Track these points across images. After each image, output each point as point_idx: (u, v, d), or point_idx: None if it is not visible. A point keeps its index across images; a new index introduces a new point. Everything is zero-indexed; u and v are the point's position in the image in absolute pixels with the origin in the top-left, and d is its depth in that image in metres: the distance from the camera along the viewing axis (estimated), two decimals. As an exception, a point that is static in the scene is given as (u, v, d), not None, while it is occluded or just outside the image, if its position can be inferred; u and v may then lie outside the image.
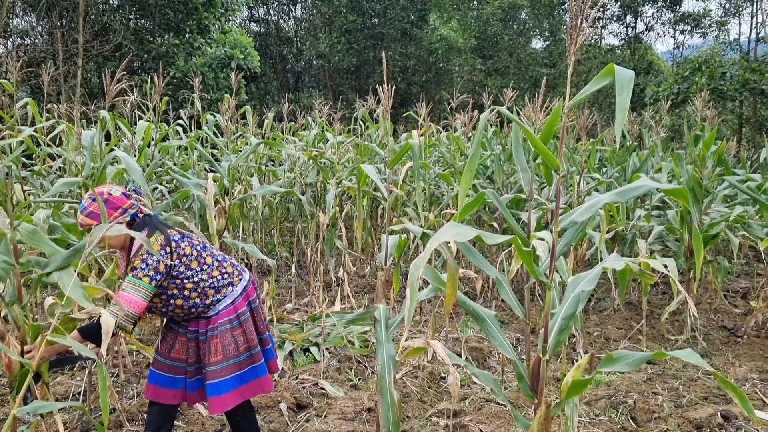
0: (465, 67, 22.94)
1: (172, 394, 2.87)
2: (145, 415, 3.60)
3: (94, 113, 6.59)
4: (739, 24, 29.49)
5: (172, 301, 2.77)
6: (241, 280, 2.96)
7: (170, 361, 2.88)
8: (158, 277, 2.64)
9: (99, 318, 2.40)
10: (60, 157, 6.18)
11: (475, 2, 26.16)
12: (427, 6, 23.72)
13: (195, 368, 2.89)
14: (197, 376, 2.89)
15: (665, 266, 2.53)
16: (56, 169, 6.33)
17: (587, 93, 1.80)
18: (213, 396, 2.78)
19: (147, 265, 2.61)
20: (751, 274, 7.96)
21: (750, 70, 15.75)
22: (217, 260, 2.90)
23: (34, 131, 5.48)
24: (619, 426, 3.62)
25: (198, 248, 2.85)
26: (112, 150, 4.47)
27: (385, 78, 2.75)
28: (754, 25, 20.90)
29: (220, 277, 2.87)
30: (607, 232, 5.50)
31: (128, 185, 2.81)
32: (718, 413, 3.64)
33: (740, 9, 22.30)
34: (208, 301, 2.82)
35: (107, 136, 5.11)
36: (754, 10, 20.93)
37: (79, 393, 3.94)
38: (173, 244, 2.73)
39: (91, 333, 2.58)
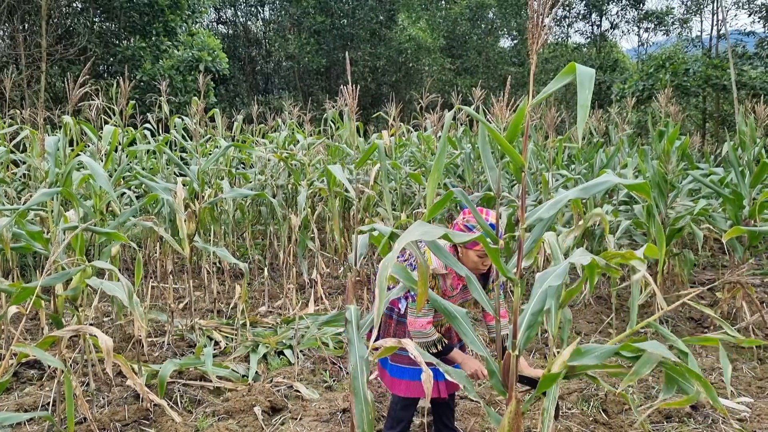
0: (434, 67, 23.06)
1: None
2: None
3: (59, 118, 6.47)
4: (701, 21, 30.13)
5: None
6: None
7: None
8: None
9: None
10: (24, 163, 6.06)
11: (443, 2, 26.34)
12: (396, 6, 23.78)
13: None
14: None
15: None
16: (20, 176, 6.21)
17: (550, 91, 1.82)
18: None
19: None
20: (717, 266, 8.14)
21: (712, 66, 16.14)
22: None
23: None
24: (591, 418, 3.68)
25: None
26: (78, 155, 4.39)
27: (349, 78, 2.75)
28: (715, 23, 21.37)
29: None
30: (576, 228, 5.57)
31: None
32: (687, 403, 3.72)
33: (701, 6, 22.80)
34: None
35: (71, 142, 5.03)
36: (715, 8, 21.38)
37: (48, 403, 3.87)
38: None
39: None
